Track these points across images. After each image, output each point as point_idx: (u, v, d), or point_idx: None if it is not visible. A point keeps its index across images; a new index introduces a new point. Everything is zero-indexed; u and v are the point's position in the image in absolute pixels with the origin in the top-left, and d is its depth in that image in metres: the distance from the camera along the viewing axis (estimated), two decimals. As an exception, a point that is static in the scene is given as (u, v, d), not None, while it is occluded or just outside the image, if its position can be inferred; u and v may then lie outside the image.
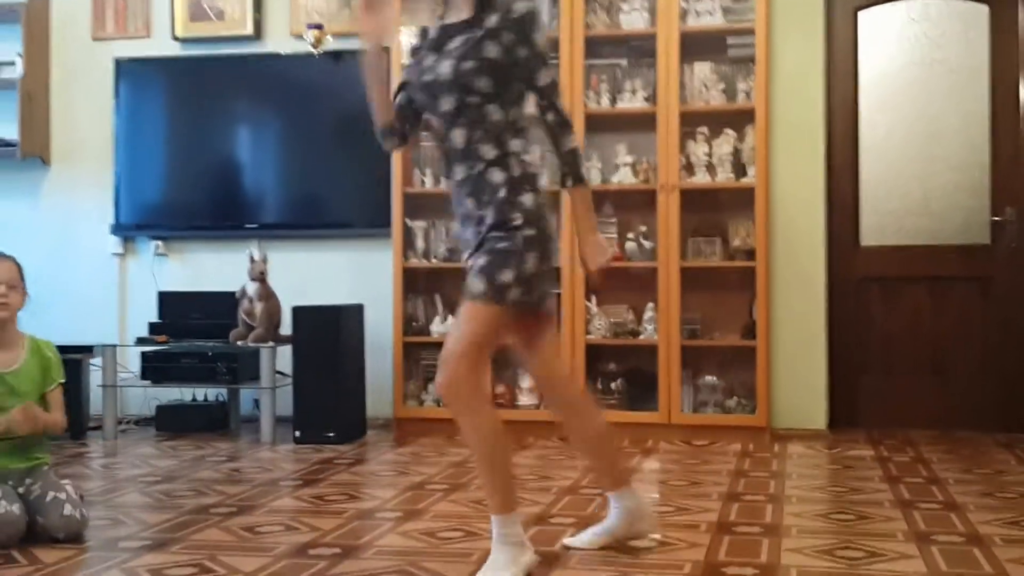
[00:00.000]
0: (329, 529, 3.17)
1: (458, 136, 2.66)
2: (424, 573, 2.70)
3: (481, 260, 2.61)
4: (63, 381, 3.22)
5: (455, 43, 2.67)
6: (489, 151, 2.65)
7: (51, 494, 3.03)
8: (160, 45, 5.65)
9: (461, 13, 2.69)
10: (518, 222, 2.62)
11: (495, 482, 2.63)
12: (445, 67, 2.64)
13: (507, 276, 2.58)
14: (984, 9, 5.09)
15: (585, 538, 2.96)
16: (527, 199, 2.64)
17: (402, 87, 2.82)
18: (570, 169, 2.73)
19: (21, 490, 3.04)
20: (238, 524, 3.24)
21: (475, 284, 2.60)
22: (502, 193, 2.63)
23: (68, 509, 3.01)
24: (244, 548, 2.96)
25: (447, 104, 2.66)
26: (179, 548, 2.95)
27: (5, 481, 3.03)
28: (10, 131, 5.58)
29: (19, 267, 3.17)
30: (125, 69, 5.60)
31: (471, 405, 2.58)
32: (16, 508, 2.94)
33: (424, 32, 2.77)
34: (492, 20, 2.64)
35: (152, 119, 5.68)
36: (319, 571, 2.72)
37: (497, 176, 2.64)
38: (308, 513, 3.41)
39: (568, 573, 2.70)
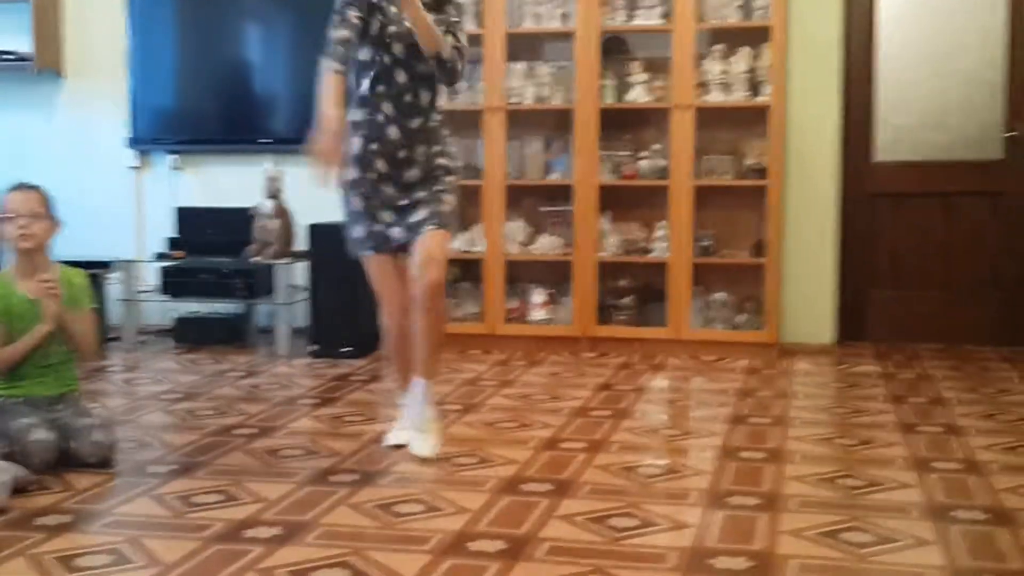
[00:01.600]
0: (348, 453, 3.29)
1: (423, 94, 3.26)
2: (440, 501, 2.82)
3: (451, 198, 3.28)
4: (94, 307, 3.30)
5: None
6: (435, 109, 3.32)
7: (82, 420, 3.15)
8: (170, -46, 5.58)
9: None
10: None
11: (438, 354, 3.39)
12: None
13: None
14: (1006, -80, 4.99)
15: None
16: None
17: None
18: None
19: (52, 416, 3.14)
20: (261, 447, 3.36)
21: (450, 217, 3.29)
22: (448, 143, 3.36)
23: (98, 435, 3.12)
24: (267, 473, 3.08)
25: (420, 68, 3.22)
26: (205, 473, 3.07)
27: (38, 408, 3.14)
28: (24, 44, 5.56)
29: (44, 196, 3.20)
30: (136, -21, 5.55)
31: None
32: (51, 435, 3.05)
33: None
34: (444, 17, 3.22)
35: (166, 31, 5.64)
36: (340, 499, 2.83)
37: (444, 130, 3.36)
38: (327, 435, 3.53)
39: (577, 503, 2.81)
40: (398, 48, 3.21)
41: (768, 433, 3.57)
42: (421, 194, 3.27)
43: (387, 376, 4.58)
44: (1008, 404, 4.00)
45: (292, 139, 5.47)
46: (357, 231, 3.32)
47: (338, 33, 3.13)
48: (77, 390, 3.29)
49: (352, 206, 3.31)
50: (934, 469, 3.14)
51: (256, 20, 5.60)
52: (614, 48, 5.03)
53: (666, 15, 4.90)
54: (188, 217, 5.47)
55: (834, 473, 3.09)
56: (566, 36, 5.00)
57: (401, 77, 3.23)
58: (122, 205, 5.72)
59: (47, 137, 5.75)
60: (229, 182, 5.57)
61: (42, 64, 5.61)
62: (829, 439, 3.51)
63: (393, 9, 3.18)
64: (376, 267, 3.35)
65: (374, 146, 3.25)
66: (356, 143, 3.26)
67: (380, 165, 3.26)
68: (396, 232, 3.27)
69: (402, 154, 3.26)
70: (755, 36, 4.86)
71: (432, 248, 3.20)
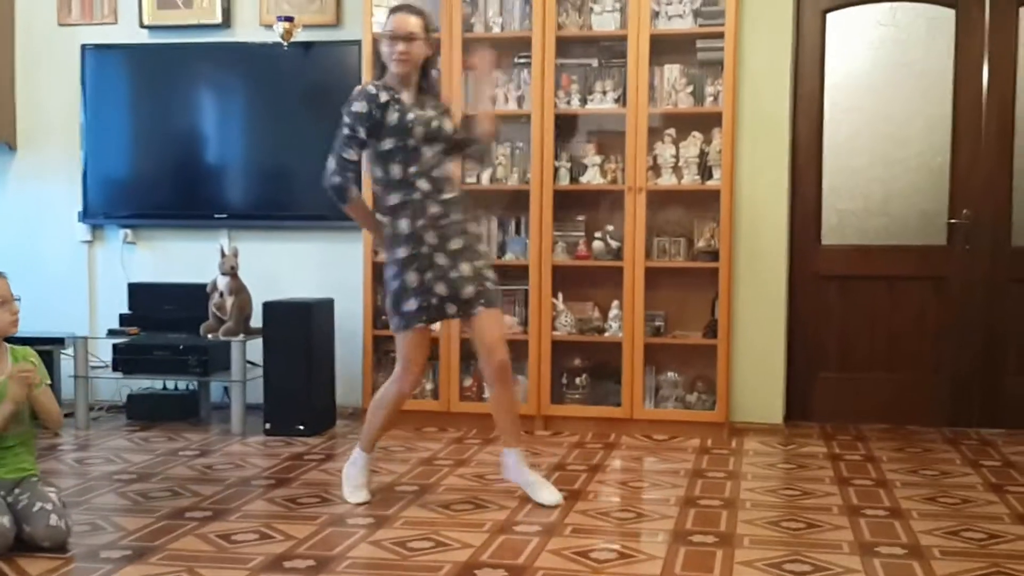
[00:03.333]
0: (303, 538, 3.28)
1: (447, 167, 3.70)
2: (395, 588, 2.83)
3: (491, 272, 3.74)
4: (49, 382, 3.31)
5: (430, 111, 3.70)
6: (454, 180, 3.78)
7: (38, 504, 3.12)
8: (127, 32, 5.63)
9: (412, 94, 3.70)
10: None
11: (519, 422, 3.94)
12: (447, 124, 3.72)
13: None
14: (950, 13, 5.18)
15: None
16: None
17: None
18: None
19: (10, 499, 3.13)
20: (214, 531, 3.35)
21: (497, 295, 3.75)
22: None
23: (54, 520, 3.11)
24: (221, 559, 3.06)
25: (440, 147, 3.68)
26: (158, 559, 3.05)
27: (-4, 492, 3.12)
28: (-24, 117, 5.58)
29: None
30: (91, 55, 5.59)
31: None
32: (7, 520, 3.04)
33: (392, 96, 3.66)
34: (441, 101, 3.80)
35: (119, 106, 5.66)
36: (294, 586, 2.83)
37: (466, 199, 3.80)
38: (281, 518, 3.52)
39: (532, 590, 2.83)
40: (419, 131, 3.61)
41: (719, 516, 3.62)
42: (465, 267, 3.63)
43: (342, 455, 4.58)
44: (950, 487, 4.09)
45: (248, 215, 5.55)
46: (410, 304, 3.62)
47: (347, 154, 3.59)
48: (36, 474, 3.27)
49: (407, 282, 3.61)
50: (878, 554, 3.20)
51: (211, 94, 5.66)
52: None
53: (618, 99, 5.04)
54: (141, 293, 5.44)
55: (782, 558, 3.14)
56: (522, 118, 5.11)
57: (427, 155, 3.63)
58: (75, 279, 5.69)
59: (-2, 209, 5.74)
60: (183, 256, 5.58)
61: (-7, 136, 5.62)
62: (777, 522, 3.56)
63: (404, 98, 3.64)
64: (417, 338, 3.68)
65: (420, 222, 3.60)
66: (403, 224, 3.61)
67: (430, 238, 3.61)
68: (450, 309, 3.65)
69: (444, 222, 3.62)
70: (706, 121, 5.01)
71: (493, 332, 3.67)
